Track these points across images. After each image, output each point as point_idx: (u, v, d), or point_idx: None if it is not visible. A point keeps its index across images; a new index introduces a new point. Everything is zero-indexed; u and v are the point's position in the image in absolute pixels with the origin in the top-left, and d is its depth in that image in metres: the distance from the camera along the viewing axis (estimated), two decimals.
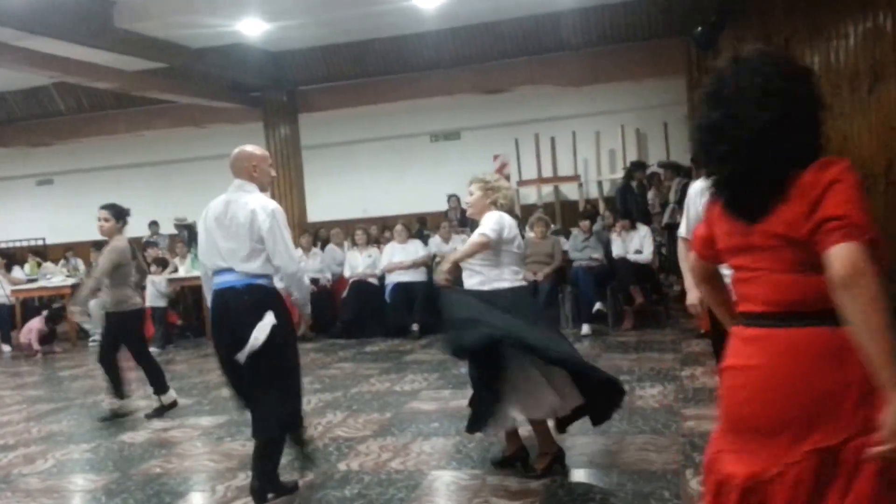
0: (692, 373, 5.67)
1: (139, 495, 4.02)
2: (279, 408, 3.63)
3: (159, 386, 5.80)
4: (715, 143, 1.70)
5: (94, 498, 4.07)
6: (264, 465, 3.67)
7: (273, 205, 3.64)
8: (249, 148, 3.81)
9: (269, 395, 3.60)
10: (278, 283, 3.72)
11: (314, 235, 10.15)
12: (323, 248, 9.91)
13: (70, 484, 4.38)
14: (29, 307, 10.42)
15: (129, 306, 5.66)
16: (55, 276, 10.71)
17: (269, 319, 3.52)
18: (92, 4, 7.86)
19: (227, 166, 3.74)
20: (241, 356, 3.49)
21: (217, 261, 3.65)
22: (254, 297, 3.58)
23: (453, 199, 10.90)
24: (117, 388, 5.77)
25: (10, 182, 13.60)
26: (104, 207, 5.64)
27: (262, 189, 3.73)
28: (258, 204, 3.58)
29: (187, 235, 11.08)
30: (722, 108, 1.69)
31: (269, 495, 3.66)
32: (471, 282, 3.92)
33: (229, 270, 3.61)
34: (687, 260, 3.50)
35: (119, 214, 5.63)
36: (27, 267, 10.76)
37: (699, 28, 8.61)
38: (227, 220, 3.61)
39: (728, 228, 1.73)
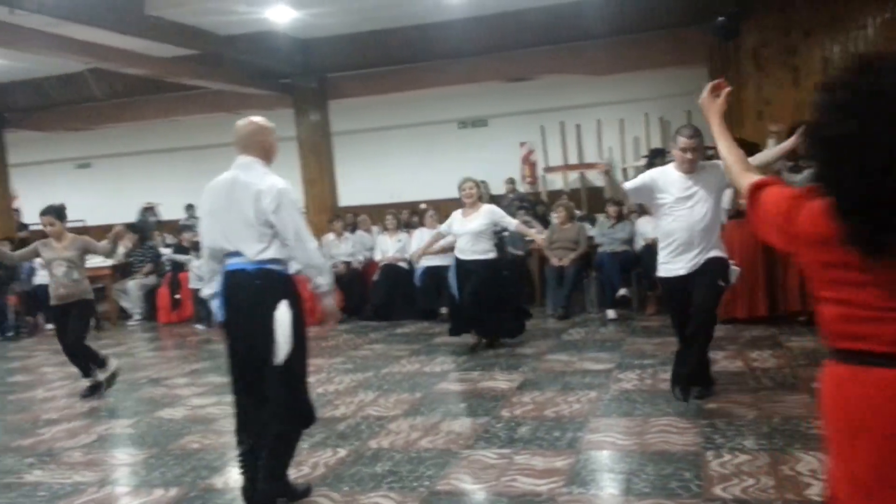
0: (712, 357, 5.60)
1: (177, 469, 4.15)
2: (292, 402, 3.37)
3: (100, 362, 6.12)
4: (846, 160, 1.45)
5: (134, 471, 4.24)
6: (274, 465, 3.36)
7: (281, 184, 3.31)
8: (260, 120, 3.49)
9: (281, 387, 3.32)
10: (295, 267, 3.44)
11: (343, 220, 10.40)
12: (353, 232, 10.15)
13: (111, 458, 4.56)
14: None
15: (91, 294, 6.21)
16: (95, 257, 11.02)
17: (283, 309, 3.25)
18: None
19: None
20: (277, 359, 3.23)
21: (224, 244, 3.35)
22: (266, 283, 3.28)
23: (482, 185, 11.10)
24: (98, 362, 6.12)
25: (50, 165, 13.91)
26: (45, 213, 6.05)
27: (270, 163, 3.44)
28: (265, 184, 3.26)
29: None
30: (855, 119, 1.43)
31: (280, 499, 3.40)
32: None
33: (238, 254, 3.31)
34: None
35: (61, 216, 6.10)
36: None
37: (720, 18, 8.67)
38: (232, 201, 3.30)
39: (841, 257, 1.51)
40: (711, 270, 4.40)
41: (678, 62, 10.22)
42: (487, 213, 6.71)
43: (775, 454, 3.63)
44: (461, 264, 6.76)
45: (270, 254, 3.30)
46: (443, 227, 7.10)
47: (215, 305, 3.48)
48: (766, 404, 4.46)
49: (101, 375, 6.09)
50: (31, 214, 12.28)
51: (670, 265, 4.49)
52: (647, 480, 3.45)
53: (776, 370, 5.33)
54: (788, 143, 4.17)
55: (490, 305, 6.66)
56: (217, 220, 3.38)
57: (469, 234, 6.69)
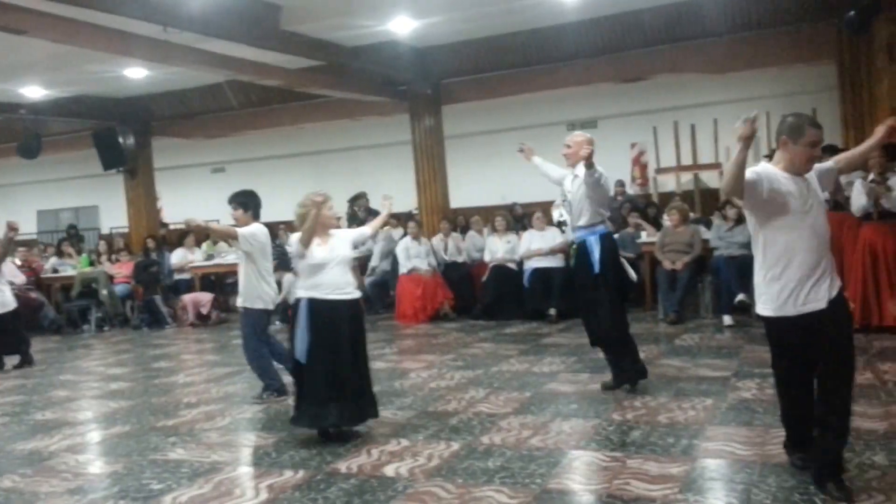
0: None
1: (304, 453, 4.41)
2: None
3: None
4: None
5: (266, 453, 4.52)
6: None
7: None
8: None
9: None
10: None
11: (453, 221, 10.69)
12: (464, 233, 10.43)
13: (245, 440, 4.89)
14: (206, 282, 11.45)
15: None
16: (229, 255, 11.79)
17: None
18: (261, 9, 8.35)
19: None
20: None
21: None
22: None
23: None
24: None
25: (188, 170, 14.97)
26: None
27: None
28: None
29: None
30: None
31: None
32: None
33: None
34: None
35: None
36: (204, 246, 11.88)
37: (851, 11, 8.34)
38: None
39: None
40: (843, 315, 3.37)
41: (803, 59, 9.90)
42: (343, 234, 5.01)
43: None
44: (333, 307, 4.62)
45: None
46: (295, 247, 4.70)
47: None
48: None
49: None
50: (170, 214, 13.32)
51: (787, 298, 3.32)
52: (769, 492, 3.35)
53: None
54: (877, 137, 3.55)
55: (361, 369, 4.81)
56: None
57: (342, 263, 4.76)
